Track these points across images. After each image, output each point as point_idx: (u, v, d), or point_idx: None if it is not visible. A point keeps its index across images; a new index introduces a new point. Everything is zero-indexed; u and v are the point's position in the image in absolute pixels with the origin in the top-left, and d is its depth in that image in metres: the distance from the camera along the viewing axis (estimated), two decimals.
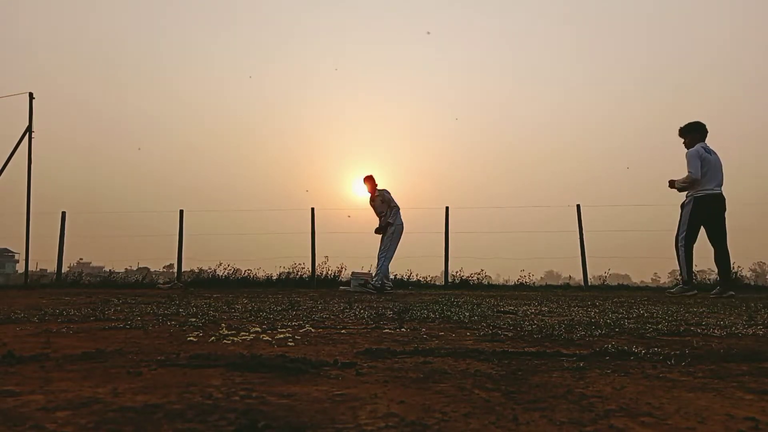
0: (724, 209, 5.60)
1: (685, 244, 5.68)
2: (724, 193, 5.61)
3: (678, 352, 1.46)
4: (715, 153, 5.64)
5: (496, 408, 0.86)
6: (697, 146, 5.67)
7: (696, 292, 5.78)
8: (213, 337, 1.72)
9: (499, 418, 0.80)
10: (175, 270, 10.85)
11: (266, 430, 0.73)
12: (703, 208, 5.53)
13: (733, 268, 9.23)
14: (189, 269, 11.29)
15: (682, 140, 5.86)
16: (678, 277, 6.31)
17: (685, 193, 5.78)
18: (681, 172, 5.81)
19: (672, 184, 5.91)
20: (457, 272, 10.26)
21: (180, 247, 10.67)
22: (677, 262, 5.89)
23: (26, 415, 0.79)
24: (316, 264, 10.47)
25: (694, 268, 9.75)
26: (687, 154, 5.68)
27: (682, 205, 5.80)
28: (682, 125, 5.87)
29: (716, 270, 5.92)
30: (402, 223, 7.24)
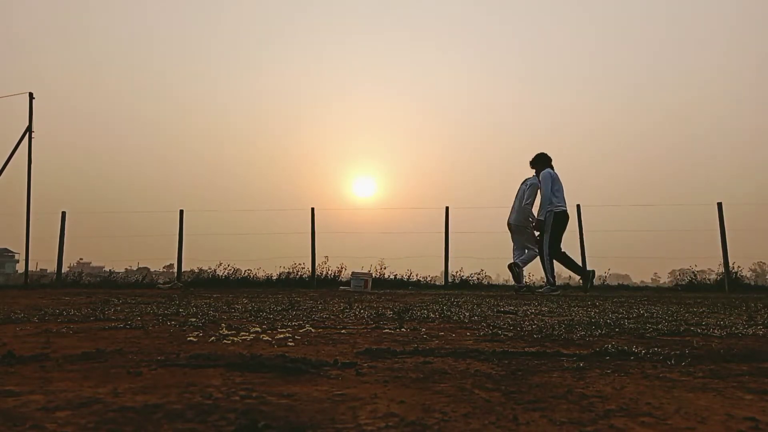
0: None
1: (550, 252, 6.71)
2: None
3: (678, 352, 1.46)
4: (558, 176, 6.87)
5: (496, 408, 0.86)
6: (548, 170, 6.83)
7: (560, 292, 6.82)
8: (213, 337, 1.72)
9: (499, 418, 0.80)
10: (175, 270, 10.85)
11: (266, 430, 0.73)
12: (562, 221, 6.72)
13: (733, 268, 9.26)
14: (189, 269, 11.30)
15: (534, 169, 7.04)
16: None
17: (540, 210, 6.82)
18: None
19: (537, 223, 6.89)
20: (457, 272, 10.27)
21: (180, 247, 10.67)
22: (542, 268, 6.87)
23: (26, 415, 0.79)
24: (316, 264, 10.47)
25: (695, 269, 9.76)
26: (541, 176, 6.82)
27: (542, 220, 6.82)
28: (531, 158, 7.06)
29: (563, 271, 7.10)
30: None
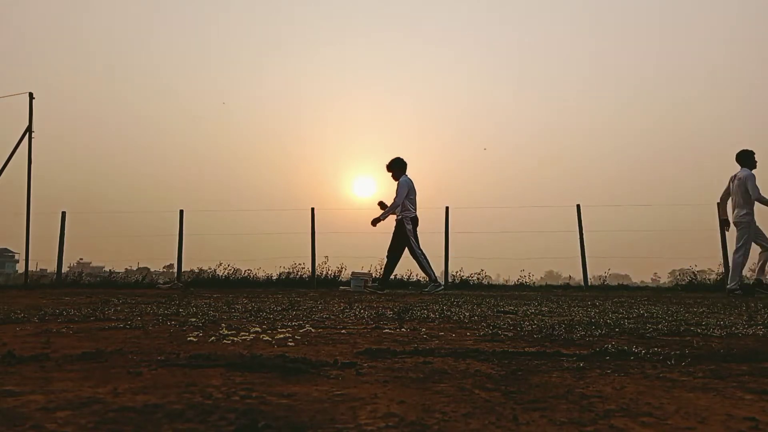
0: None
1: (422, 252, 7.06)
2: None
3: (678, 352, 1.46)
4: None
5: (496, 408, 0.86)
6: (406, 177, 7.13)
7: (443, 286, 7.24)
8: (213, 337, 1.72)
9: (499, 418, 0.80)
10: (175, 270, 10.84)
11: (266, 430, 0.73)
12: (415, 225, 7.06)
13: None
14: (189, 269, 11.29)
15: (390, 173, 7.24)
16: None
17: (398, 214, 7.07)
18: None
19: (377, 220, 7.12)
20: (457, 272, 10.26)
21: (180, 247, 10.67)
22: (421, 269, 7.19)
23: (26, 415, 0.79)
24: (316, 264, 10.47)
25: (695, 269, 9.77)
26: (399, 183, 7.05)
27: (399, 226, 7.07)
28: (387, 162, 7.27)
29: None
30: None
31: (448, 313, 2.88)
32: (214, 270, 10.67)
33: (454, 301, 4.25)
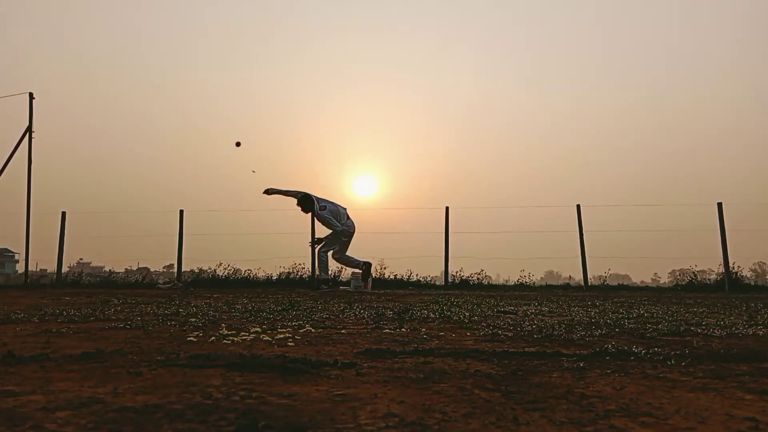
0: None
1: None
2: None
3: (678, 352, 1.46)
4: None
5: (496, 408, 0.86)
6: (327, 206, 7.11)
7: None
8: (213, 337, 1.72)
9: (499, 418, 0.80)
10: (175, 270, 10.83)
11: (266, 430, 0.73)
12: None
13: (733, 268, 9.26)
14: (189, 269, 11.29)
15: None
16: None
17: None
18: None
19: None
20: (457, 272, 10.27)
21: (180, 247, 10.67)
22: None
23: (26, 415, 0.79)
24: (316, 264, 10.45)
25: (695, 269, 9.76)
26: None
27: None
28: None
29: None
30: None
31: (448, 313, 2.88)
32: (214, 270, 10.67)
33: (454, 301, 4.25)
